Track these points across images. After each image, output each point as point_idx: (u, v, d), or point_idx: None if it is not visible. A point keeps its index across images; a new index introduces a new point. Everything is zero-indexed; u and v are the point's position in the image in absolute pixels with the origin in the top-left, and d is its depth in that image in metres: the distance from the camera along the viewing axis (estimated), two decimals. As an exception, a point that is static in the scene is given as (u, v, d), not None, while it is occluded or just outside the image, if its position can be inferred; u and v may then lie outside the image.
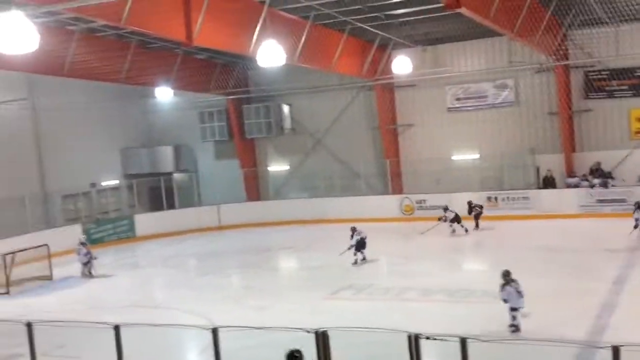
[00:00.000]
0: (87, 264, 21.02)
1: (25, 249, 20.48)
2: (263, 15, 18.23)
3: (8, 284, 19.61)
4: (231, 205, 29.60)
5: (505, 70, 26.60)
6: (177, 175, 32.35)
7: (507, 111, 27.28)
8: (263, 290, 17.82)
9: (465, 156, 27.97)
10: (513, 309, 12.14)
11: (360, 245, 19.70)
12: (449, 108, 28.23)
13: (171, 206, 29.96)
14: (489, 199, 25.82)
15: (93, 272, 21.02)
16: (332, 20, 21.89)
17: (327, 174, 30.09)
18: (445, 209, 23.64)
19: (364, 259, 19.76)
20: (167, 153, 32.98)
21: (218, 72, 29.46)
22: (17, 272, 20.11)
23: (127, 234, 27.71)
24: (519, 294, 12.07)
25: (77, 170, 28.84)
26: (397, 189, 28.60)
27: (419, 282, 16.86)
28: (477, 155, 27.84)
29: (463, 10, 15.19)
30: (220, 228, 28.31)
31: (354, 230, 19.98)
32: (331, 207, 27.82)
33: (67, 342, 9.55)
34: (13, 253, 20.06)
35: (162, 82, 26.40)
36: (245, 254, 23.54)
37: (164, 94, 27.58)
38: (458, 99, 28.06)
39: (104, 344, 8.70)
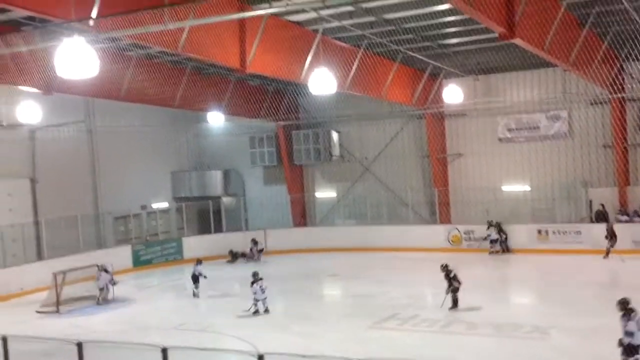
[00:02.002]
0: (102, 289, 20.88)
1: (76, 269, 20.89)
2: (316, 43, 18.43)
3: (58, 302, 20.01)
4: (278, 230, 29.71)
5: (558, 102, 26.20)
6: (225, 199, 32.69)
7: (560, 143, 26.80)
8: (308, 317, 17.75)
9: (516, 187, 27.52)
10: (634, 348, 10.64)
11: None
12: (501, 138, 27.89)
13: (219, 230, 30.23)
14: (539, 232, 25.28)
15: (109, 297, 20.94)
16: (383, 49, 21.97)
17: (375, 201, 29.99)
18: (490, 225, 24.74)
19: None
20: (216, 177, 33.38)
21: (269, 98, 29.80)
22: (67, 291, 20.52)
23: (174, 256, 28.02)
24: None
25: (129, 192, 29.43)
26: (445, 219, 28.28)
27: (465, 315, 16.55)
28: (528, 187, 27.37)
29: (517, 41, 15.08)
30: (267, 253, 28.39)
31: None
32: (378, 235, 27.64)
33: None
34: (64, 272, 20.48)
35: (214, 108, 26.84)
36: (291, 280, 23.51)
37: (216, 119, 28.01)
38: (510, 130, 27.71)
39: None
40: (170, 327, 17.40)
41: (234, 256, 27.43)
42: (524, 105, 27.00)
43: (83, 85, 17.15)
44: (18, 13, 15.02)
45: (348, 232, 28.71)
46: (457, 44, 22.78)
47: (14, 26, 16.34)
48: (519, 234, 25.52)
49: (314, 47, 18.45)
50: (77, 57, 10.50)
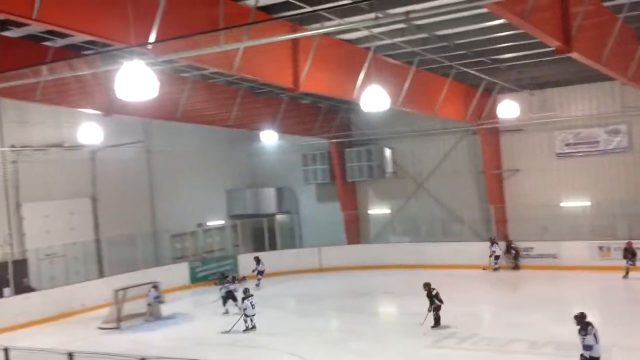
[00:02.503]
0: (150, 305, 21.31)
1: (136, 285, 21.36)
2: (368, 61, 18.51)
3: (119, 319, 20.48)
4: (332, 247, 29.75)
5: (617, 116, 25.58)
6: (279, 217, 32.96)
7: (620, 157, 26.10)
8: (363, 334, 17.67)
9: (575, 203, 26.88)
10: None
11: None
12: (558, 154, 27.33)
13: (273, 247, 30.49)
14: (600, 248, 24.62)
15: (160, 314, 21.35)
16: (436, 65, 21.89)
17: (429, 218, 29.75)
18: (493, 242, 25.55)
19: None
20: (270, 195, 33.71)
21: (322, 116, 30.02)
22: (127, 308, 20.98)
23: (230, 273, 28.27)
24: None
25: (186, 210, 29.97)
26: (502, 236, 27.82)
27: (525, 333, 16.22)
28: (587, 203, 26.70)
29: (574, 55, 14.83)
30: (321, 270, 28.43)
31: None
32: (433, 252, 27.40)
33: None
34: (124, 289, 20.97)
35: (267, 126, 27.17)
36: (345, 297, 23.48)
37: (269, 138, 28.35)
38: (568, 145, 27.14)
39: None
40: (226, 344, 17.60)
41: (221, 279, 23.41)
42: (582, 120, 26.45)
43: (141, 107, 17.63)
44: (79, 38, 15.64)
45: (402, 249, 28.54)
46: (512, 59, 22.50)
47: (75, 50, 16.98)
48: (579, 250, 24.92)
49: (366, 64, 18.53)
50: (137, 79, 10.81)
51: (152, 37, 12.33)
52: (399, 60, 20.79)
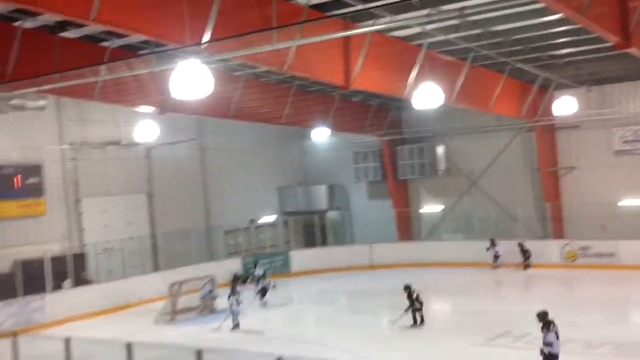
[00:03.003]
0: (203, 299, 21.61)
1: (191, 280, 21.76)
2: (420, 57, 18.40)
3: (174, 312, 20.91)
4: (383, 244, 29.67)
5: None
6: (330, 214, 33.05)
7: (681, 154, 25.27)
8: (414, 332, 17.59)
9: (635, 202, 26.12)
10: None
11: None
12: (617, 151, 26.61)
13: (324, 243, 30.60)
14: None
15: (214, 308, 21.61)
16: (490, 61, 21.58)
17: (483, 216, 29.35)
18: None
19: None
20: (321, 192, 33.84)
21: (373, 113, 29.95)
22: (182, 301, 21.39)
23: (282, 269, 28.59)
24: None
25: (238, 206, 30.37)
26: (559, 234, 27.26)
27: (581, 333, 15.84)
28: (647, 201, 25.94)
29: (633, 50, 14.44)
30: (372, 267, 28.39)
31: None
32: (486, 250, 27.02)
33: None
34: (180, 283, 21.40)
35: (319, 124, 27.28)
36: (397, 295, 23.24)
37: (320, 135, 28.45)
38: (626, 142, 26.39)
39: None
40: (279, 338, 17.77)
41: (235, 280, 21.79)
42: (641, 116, 25.72)
43: (195, 105, 17.95)
44: (135, 38, 16.03)
45: (455, 247, 28.25)
46: (569, 54, 22.02)
47: (132, 50, 17.40)
48: (639, 249, 24.22)
49: (418, 61, 18.42)
50: (192, 78, 11.03)
51: (207, 37, 12.56)
52: (453, 57, 20.59)
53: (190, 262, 25.82)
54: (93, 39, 16.57)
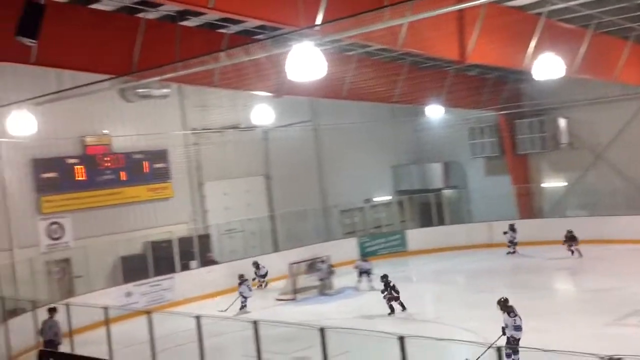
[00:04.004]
0: (322, 280, 22.02)
1: (309, 260, 22.22)
2: (539, 27, 17.65)
3: (295, 291, 21.45)
4: (503, 222, 28.86)
5: None
6: (446, 192, 32.58)
7: None
8: (538, 312, 17.02)
9: None
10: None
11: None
12: None
13: (441, 222, 30.24)
14: None
15: (331, 288, 21.98)
16: (615, 28, 20.37)
17: (609, 190, 27.87)
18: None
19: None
20: (436, 170, 33.40)
21: (489, 87, 29.10)
22: (301, 281, 21.90)
23: (398, 248, 28.57)
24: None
25: (353, 186, 30.59)
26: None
27: None
28: None
29: None
30: (492, 245, 27.75)
31: None
32: (614, 226, 25.68)
33: (350, 349, 10.19)
34: (299, 263, 21.90)
35: (432, 101, 26.87)
36: (518, 273, 22.82)
37: (434, 112, 28.02)
38: None
39: (384, 353, 9.11)
40: (397, 317, 17.82)
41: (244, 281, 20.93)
42: None
43: (309, 86, 18.16)
44: (251, 23, 16.40)
45: (581, 223, 26.97)
46: None
47: (248, 36, 17.84)
48: None
49: (537, 31, 17.67)
50: (306, 60, 11.19)
51: (320, 19, 12.64)
52: (574, 25, 19.60)
53: (308, 242, 26.33)
54: (212, 26, 17.12)
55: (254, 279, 22.98)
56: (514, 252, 25.78)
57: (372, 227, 30.95)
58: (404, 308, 18.33)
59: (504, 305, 12.77)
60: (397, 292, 18.30)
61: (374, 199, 32.08)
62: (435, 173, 33.40)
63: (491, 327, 15.20)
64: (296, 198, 28.23)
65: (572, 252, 23.86)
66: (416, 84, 25.20)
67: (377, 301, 19.22)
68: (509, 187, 30.86)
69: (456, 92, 27.22)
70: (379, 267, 24.34)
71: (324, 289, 21.93)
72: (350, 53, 21.82)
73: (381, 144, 32.65)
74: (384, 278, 18.63)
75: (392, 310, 18.23)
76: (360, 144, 31.30)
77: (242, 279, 20.35)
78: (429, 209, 30.53)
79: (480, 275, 23.24)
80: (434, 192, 31.51)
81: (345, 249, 26.70)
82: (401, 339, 8.11)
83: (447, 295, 20.63)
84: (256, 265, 23.55)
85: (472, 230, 28.48)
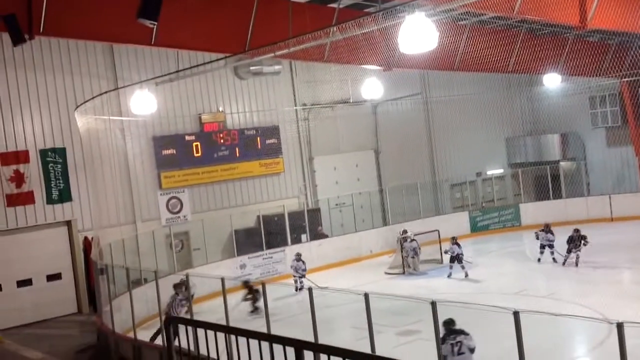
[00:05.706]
0: (407, 257, 21.40)
1: (420, 234, 22.09)
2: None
3: (404, 265, 21.43)
4: (625, 195, 27.48)
5: None
6: (563, 164, 31.31)
7: None
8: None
9: None
10: None
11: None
12: None
13: (557, 196, 29.12)
14: None
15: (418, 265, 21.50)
16: None
17: None
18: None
19: None
20: (553, 141, 32.17)
21: (611, 54, 27.51)
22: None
23: (512, 223, 27.85)
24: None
25: (464, 159, 30.05)
26: None
27: None
28: None
29: None
30: (612, 219, 26.48)
31: None
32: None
33: (462, 324, 10.08)
34: (409, 237, 21.80)
35: (550, 69, 25.76)
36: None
37: (552, 81, 26.88)
38: None
39: (497, 328, 8.96)
40: (511, 292, 17.43)
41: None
42: None
43: (420, 59, 17.90)
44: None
45: None
46: None
47: (357, 10, 17.77)
48: None
49: (666, -9, 16.52)
50: (418, 32, 11.03)
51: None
52: None
53: (418, 216, 26.17)
54: (322, 1, 17.17)
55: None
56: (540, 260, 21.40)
57: (484, 201, 30.30)
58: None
59: (446, 328, 9.89)
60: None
61: (487, 172, 31.35)
62: (552, 145, 32.19)
63: (614, 304, 14.62)
64: (405, 172, 28.05)
65: None
66: (533, 52, 24.20)
67: (493, 275, 18.91)
68: (632, 158, 29.25)
69: (575, 59, 25.91)
70: (491, 242, 23.98)
71: (433, 263, 21.76)
72: (463, 22, 21.25)
73: (494, 115, 31.71)
74: (246, 283, 17.98)
75: (255, 310, 16.76)
76: (472, 116, 30.54)
77: (297, 257, 20.33)
78: (545, 182, 29.48)
79: (600, 251, 22.20)
80: (550, 164, 30.38)
81: (456, 224, 26.32)
82: (516, 314, 7.93)
83: (564, 270, 19.92)
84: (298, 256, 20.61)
85: (590, 203, 27.27)
